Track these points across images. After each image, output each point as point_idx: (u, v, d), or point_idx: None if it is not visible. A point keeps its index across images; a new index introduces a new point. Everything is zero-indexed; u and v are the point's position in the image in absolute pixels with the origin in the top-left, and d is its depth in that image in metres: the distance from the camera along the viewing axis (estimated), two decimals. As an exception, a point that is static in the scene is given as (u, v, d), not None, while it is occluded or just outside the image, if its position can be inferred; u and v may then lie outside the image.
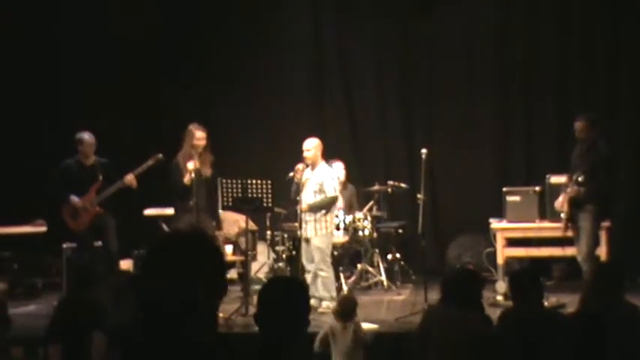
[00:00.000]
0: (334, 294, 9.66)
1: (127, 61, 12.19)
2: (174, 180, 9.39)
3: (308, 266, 9.65)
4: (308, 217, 9.66)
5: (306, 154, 9.66)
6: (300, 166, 9.67)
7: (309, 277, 9.59)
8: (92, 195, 10.01)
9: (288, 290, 3.92)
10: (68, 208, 10.07)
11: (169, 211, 10.28)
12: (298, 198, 9.64)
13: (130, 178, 9.84)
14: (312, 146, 9.68)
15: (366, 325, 7.80)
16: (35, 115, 12.22)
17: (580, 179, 9.06)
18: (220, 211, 10.30)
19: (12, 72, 12.20)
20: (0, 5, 12.09)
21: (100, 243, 10.19)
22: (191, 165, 9.26)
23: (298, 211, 9.65)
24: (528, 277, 5.90)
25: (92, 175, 10.03)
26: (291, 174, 9.70)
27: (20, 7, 12.26)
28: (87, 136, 10.08)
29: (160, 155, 9.83)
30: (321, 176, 9.72)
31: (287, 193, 9.95)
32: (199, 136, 9.38)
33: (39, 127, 12.11)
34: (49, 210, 10.65)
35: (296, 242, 10.27)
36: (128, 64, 12.18)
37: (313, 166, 9.71)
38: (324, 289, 9.63)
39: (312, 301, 9.42)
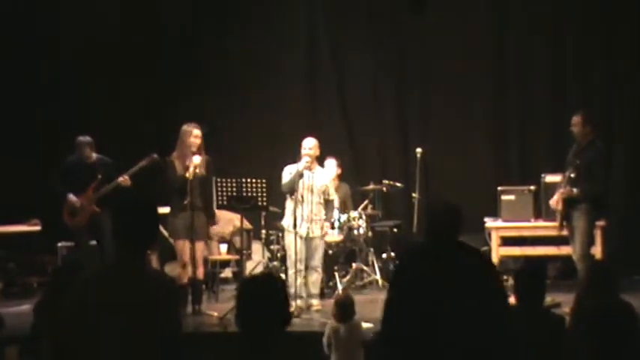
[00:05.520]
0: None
1: (126, 61, 12.19)
2: (168, 179, 9.36)
3: (300, 265, 9.58)
4: (315, 216, 9.64)
5: (309, 151, 9.55)
6: (307, 159, 9.58)
7: (292, 275, 9.51)
8: (90, 193, 10.02)
9: (265, 287, 3.94)
10: (67, 207, 10.09)
11: (164, 209, 10.26)
12: (300, 196, 9.55)
13: (123, 179, 9.87)
14: (314, 145, 9.63)
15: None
16: (32, 114, 12.20)
17: (572, 176, 9.07)
18: (215, 210, 10.29)
19: (10, 72, 12.19)
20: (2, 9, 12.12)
21: (95, 242, 10.20)
22: (197, 159, 9.24)
23: (307, 210, 9.58)
24: (536, 275, 5.87)
25: (91, 173, 10.05)
26: (302, 166, 9.52)
27: (20, 8, 12.26)
28: (81, 140, 10.09)
29: (155, 155, 9.84)
30: (322, 180, 9.76)
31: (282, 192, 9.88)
32: (196, 133, 9.37)
33: (35, 126, 12.09)
34: (44, 209, 10.64)
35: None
36: (127, 64, 12.18)
37: (312, 166, 9.68)
38: (315, 287, 9.71)
39: (299, 302, 9.37)
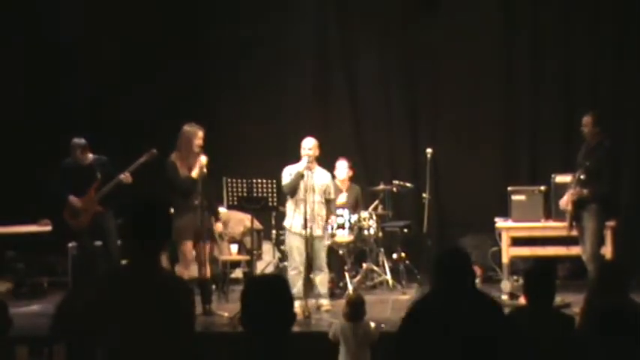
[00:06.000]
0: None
1: (129, 60, 12.19)
2: (174, 179, 9.32)
3: (301, 267, 9.58)
4: (317, 215, 9.64)
5: (308, 152, 9.60)
6: (308, 160, 9.61)
7: (296, 277, 9.50)
8: (91, 194, 10.04)
9: (269, 288, 3.91)
10: (68, 208, 10.11)
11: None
12: (301, 197, 9.57)
13: (124, 176, 9.89)
14: (314, 145, 9.65)
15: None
16: (37, 115, 12.21)
17: (582, 177, 9.06)
18: (225, 210, 10.29)
19: (15, 73, 12.21)
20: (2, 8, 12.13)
21: (100, 243, 10.21)
22: (204, 159, 9.26)
23: (308, 210, 9.55)
24: (546, 275, 5.85)
25: (90, 174, 10.06)
26: (303, 167, 9.58)
27: (20, 7, 12.29)
28: (74, 143, 10.13)
29: (154, 150, 9.86)
30: (323, 179, 9.76)
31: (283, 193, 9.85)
32: (201, 135, 9.37)
33: (43, 127, 12.10)
34: (54, 209, 10.67)
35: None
36: (130, 63, 12.18)
37: (312, 166, 9.67)
38: (323, 286, 9.73)
39: (302, 303, 9.30)
